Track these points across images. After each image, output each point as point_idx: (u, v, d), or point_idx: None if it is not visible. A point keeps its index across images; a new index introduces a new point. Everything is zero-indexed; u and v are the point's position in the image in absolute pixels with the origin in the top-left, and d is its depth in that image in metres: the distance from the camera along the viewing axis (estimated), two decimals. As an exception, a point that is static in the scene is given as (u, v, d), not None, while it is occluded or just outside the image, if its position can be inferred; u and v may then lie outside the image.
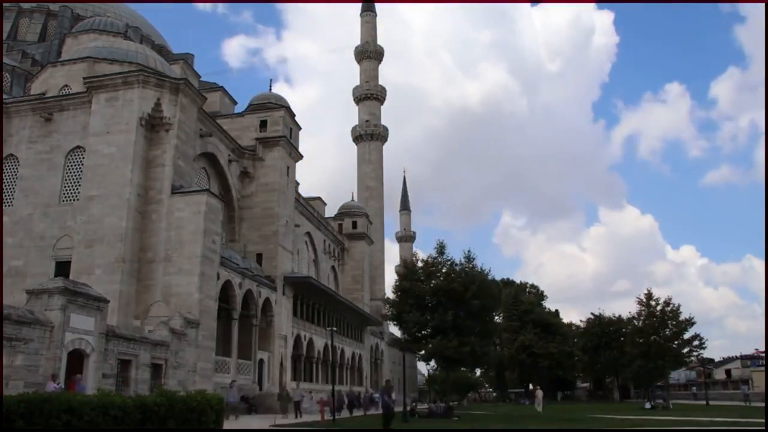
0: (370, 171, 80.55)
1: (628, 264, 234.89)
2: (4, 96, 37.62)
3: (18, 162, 34.48)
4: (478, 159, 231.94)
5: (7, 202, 33.86)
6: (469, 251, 38.29)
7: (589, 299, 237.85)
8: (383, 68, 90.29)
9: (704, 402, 55.94)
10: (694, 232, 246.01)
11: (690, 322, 45.13)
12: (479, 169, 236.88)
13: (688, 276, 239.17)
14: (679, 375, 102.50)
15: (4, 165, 34.46)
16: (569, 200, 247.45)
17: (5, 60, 43.47)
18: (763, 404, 40.35)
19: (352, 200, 75.75)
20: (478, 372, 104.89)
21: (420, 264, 37.44)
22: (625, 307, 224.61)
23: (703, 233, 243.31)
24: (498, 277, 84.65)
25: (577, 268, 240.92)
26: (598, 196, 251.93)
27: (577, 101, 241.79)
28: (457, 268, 36.52)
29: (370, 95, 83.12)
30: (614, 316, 69.63)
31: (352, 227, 70.51)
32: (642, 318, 46.97)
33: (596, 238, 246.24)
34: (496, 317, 44.87)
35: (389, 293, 53.02)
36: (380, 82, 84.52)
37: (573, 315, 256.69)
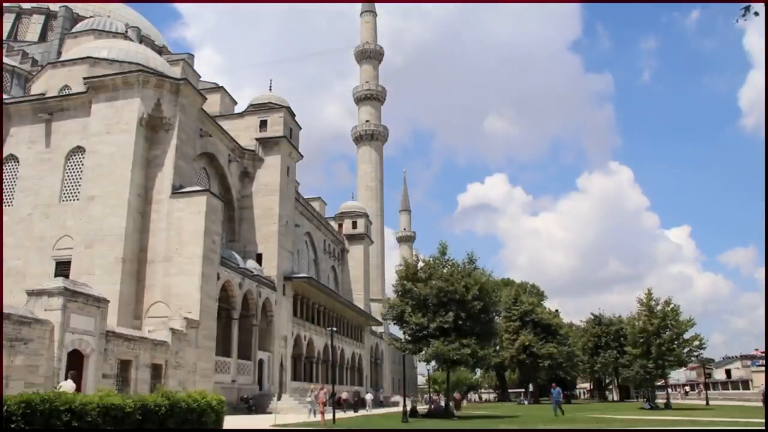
0: (370, 171, 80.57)
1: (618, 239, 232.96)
2: (5, 96, 37.61)
3: (18, 162, 34.49)
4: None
5: (7, 202, 33.87)
6: (471, 252, 38.26)
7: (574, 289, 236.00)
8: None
9: (704, 402, 55.99)
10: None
11: (690, 323, 45.14)
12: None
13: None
14: (679, 375, 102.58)
15: (4, 165, 34.46)
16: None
17: (5, 60, 43.45)
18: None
19: (352, 200, 75.83)
20: (478, 373, 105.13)
21: (421, 264, 37.37)
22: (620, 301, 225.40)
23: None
24: (498, 277, 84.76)
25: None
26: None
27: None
28: (459, 268, 36.46)
29: (370, 95, 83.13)
30: (614, 316, 69.71)
31: (352, 227, 70.56)
32: (642, 318, 46.93)
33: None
34: (497, 318, 44.77)
35: (389, 293, 53.04)
36: None
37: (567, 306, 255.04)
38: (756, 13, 7.97)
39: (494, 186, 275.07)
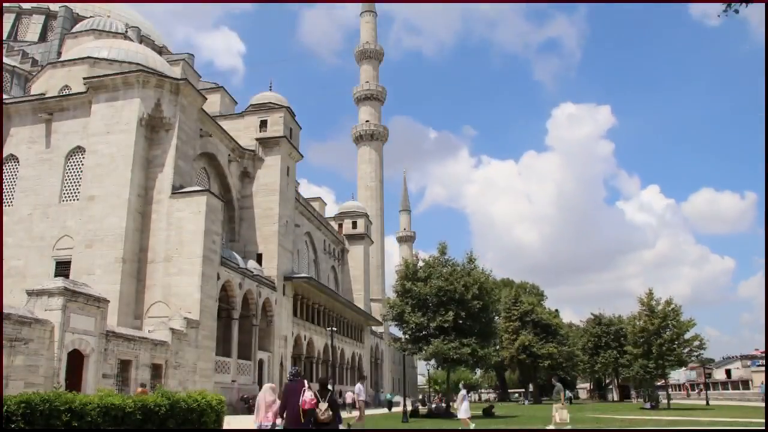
0: (370, 171, 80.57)
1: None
2: (5, 96, 37.61)
3: (18, 162, 34.48)
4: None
5: (7, 202, 33.86)
6: (470, 251, 38.34)
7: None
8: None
9: (704, 401, 55.98)
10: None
11: (691, 323, 45.18)
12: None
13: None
14: (679, 375, 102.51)
15: (4, 165, 34.46)
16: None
17: (5, 60, 43.47)
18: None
19: (352, 200, 75.84)
20: (478, 372, 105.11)
21: (421, 264, 37.42)
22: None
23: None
24: (498, 277, 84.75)
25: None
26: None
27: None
28: (459, 268, 36.50)
29: (370, 95, 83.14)
30: (615, 317, 69.69)
31: (352, 227, 70.57)
32: (643, 318, 46.93)
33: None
34: (497, 318, 44.81)
35: (390, 293, 53.09)
36: None
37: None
38: (736, 11, 8.31)
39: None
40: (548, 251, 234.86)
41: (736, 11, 8.32)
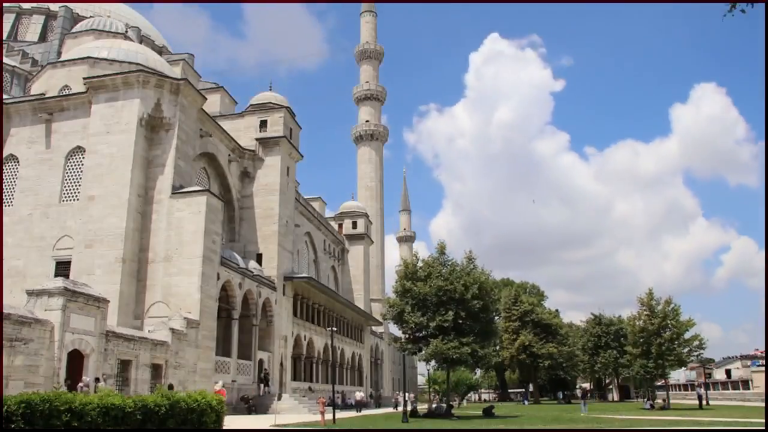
0: (370, 171, 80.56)
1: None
2: (5, 96, 37.61)
3: (18, 162, 34.48)
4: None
5: (7, 202, 33.86)
6: (470, 251, 38.35)
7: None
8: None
9: (705, 402, 55.87)
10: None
11: (690, 323, 45.26)
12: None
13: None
14: (678, 375, 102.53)
15: (4, 165, 34.46)
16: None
17: (5, 60, 43.47)
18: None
19: (352, 200, 75.82)
20: (478, 372, 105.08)
21: (420, 264, 37.44)
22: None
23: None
24: (498, 277, 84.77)
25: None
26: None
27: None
28: (458, 268, 36.53)
29: (370, 95, 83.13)
30: (615, 317, 69.77)
31: (352, 227, 70.56)
32: (643, 318, 47.01)
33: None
34: (497, 318, 44.86)
35: (389, 293, 53.08)
36: None
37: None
38: (743, 11, 8.17)
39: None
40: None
41: (743, 11, 8.23)
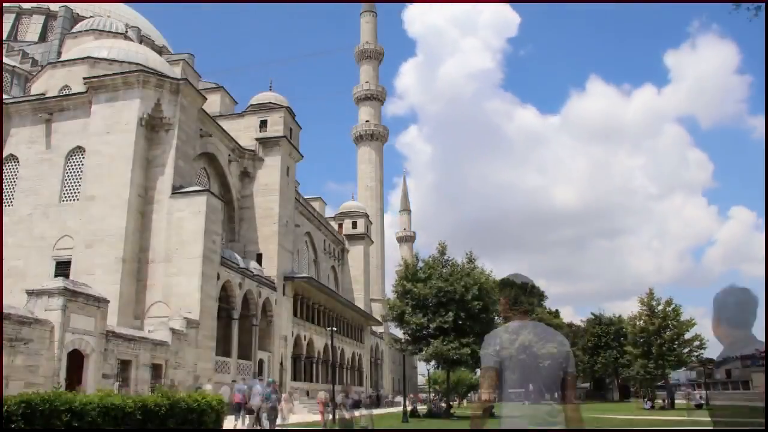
0: (370, 171, 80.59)
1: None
2: (5, 96, 37.58)
3: (18, 162, 34.47)
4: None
5: (7, 202, 33.85)
6: (470, 252, 38.36)
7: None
8: None
9: (704, 402, 55.81)
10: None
11: (691, 323, 45.29)
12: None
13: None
14: (678, 375, 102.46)
15: (4, 165, 34.44)
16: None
17: (5, 60, 43.45)
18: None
19: (352, 200, 75.84)
20: (478, 373, 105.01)
21: (421, 264, 37.44)
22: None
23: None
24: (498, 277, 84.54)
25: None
26: None
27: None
28: (458, 269, 36.52)
29: (370, 95, 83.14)
30: (615, 317, 69.75)
31: (352, 227, 70.56)
32: (643, 318, 47.03)
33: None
34: (497, 318, 44.82)
35: (390, 294, 53.08)
36: None
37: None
38: (748, 9, 7.95)
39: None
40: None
41: (748, 9, 7.95)
